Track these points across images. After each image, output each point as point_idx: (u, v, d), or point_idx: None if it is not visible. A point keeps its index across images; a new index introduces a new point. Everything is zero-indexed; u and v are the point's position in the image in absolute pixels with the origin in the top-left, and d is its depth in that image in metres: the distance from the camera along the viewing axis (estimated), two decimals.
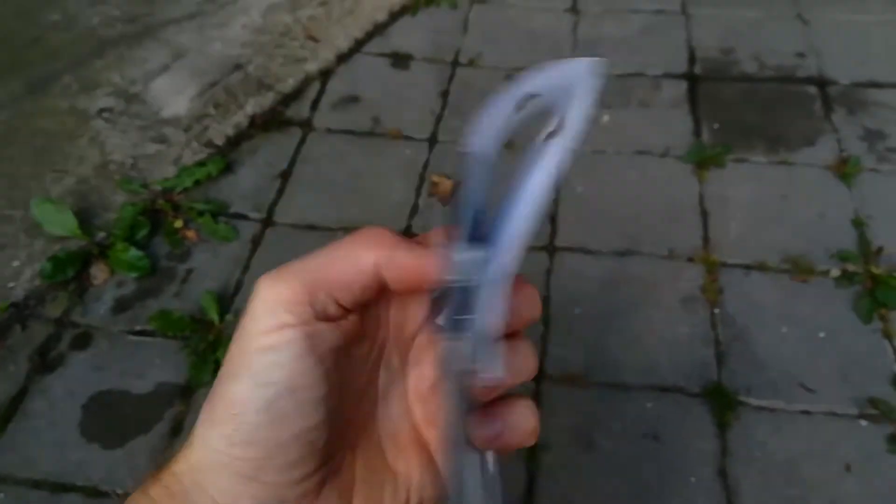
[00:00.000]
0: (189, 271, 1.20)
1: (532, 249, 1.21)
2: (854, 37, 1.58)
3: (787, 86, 1.48)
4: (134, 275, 1.18)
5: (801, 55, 1.55)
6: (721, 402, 1.00)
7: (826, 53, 1.54)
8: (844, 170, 1.28)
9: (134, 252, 1.19)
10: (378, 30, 1.71)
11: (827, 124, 1.39)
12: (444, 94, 1.53)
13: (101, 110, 1.49)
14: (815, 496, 0.92)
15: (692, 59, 1.56)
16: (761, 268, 1.16)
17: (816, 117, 1.41)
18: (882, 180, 1.28)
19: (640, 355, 1.06)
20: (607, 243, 1.22)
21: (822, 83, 1.48)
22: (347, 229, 1.24)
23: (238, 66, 1.59)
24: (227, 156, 1.38)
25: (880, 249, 1.16)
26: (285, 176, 1.35)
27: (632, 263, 1.18)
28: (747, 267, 1.17)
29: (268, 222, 1.27)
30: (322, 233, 1.24)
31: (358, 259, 0.28)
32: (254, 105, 1.49)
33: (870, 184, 1.27)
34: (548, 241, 1.23)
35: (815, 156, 1.33)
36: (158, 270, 1.20)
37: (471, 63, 1.60)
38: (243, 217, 1.28)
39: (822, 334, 1.07)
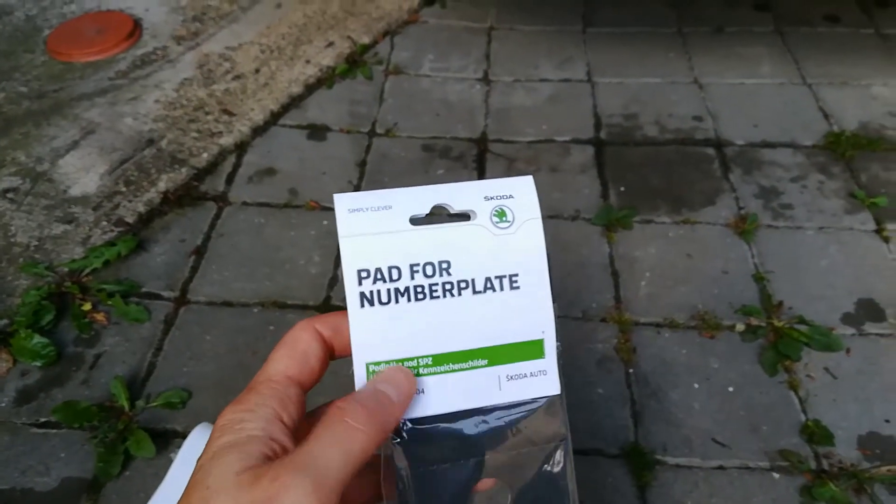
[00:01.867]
0: (98, 356, 1.16)
1: None
2: (747, 99, 1.69)
3: (687, 148, 1.57)
4: (39, 363, 1.13)
5: (698, 118, 1.64)
6: (639, 462, 1.01)
7: (722, 116, 1.65)
8: (743, 227, 1.35)
9: (38, 339, 1.13)
10: (294, 102, 1.73)
11: (725, 184, 1.47)
12: (362, 164, 1.55)
13: (5, 191, 1.44)
14: None
15: (598, 125, 1.64)
16: (671, 325, 1.20)
17: (715, 177, 1.49)
18: (778, 236, 1.35)
19: None
20: None
21: (718, 144, 1.57)
22: (264, 305, 1.23)
23: (151, 142, 1.57)
24: (138, 234, 1.35)
25: (780, 304, 1.22)
26: (200, 252, 1.33)
27: None
28: (658, 325, 1.20)
29: (181, 301, 1.24)
30: (238, 309, 1.22)
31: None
32: (167, 181, 1.47)
33: (767, 239, 1.34)
34: None
35: (716, 214, 1.40)
36: (65, 357, 1.15)
37: (387, 133, 1.63)
38: (156, 297, 1.25)
39: (731, 388, 1.11)
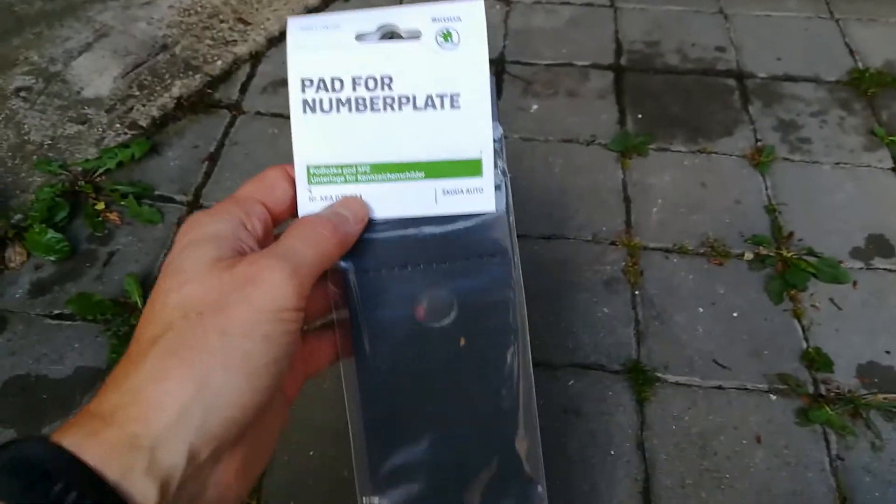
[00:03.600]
0: (111, 254, 1.17)
1: None
2: (772, 32, 1.65)
3: (708, 78, 1.54)
4: (52, 258, 1.14)
5: (721, 49, 1.61)
6: (640, 378, 1.03)
7: (745, 48, 1.61)
8: (759, 159, 1.34)
9: (52, 234, 1.15)
10: (310, 13, 1.69)
11: (744, 115, 1.45)
12: None
13: (19, 90, 1.43)
14: (728, 467, 0.96)
15: (619, 51, 1.61)
16: (680, 251, 1.20)
17: (734, 109, 1.47)
18: (794, 169, 1.34)
19: (564, 335, 1.09)
20: (534, 228, 1.24)
21: (740, 76, 1.54)
22: None
23: (164, 47, 1.55)
24: (152, 138, 1.35)
25: (791, 234, 1.22)
26: (213, 159, 1.33)
27: (557, 247, 1.21)
28: (667, 250, 1.21)
29: (194, 205, 1.25)
30: None
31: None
32: (181, 87, 1.45)
33: (783, 172, 1.33)
34: None
35: (733, 145, 1.39)
36: (79, 253, 1.17)
37: None
38: (169, 200, 1.25)
39: (735, 314, 1.12)
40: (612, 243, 1.22)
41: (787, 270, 1.16)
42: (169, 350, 0.27)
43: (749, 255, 1.19)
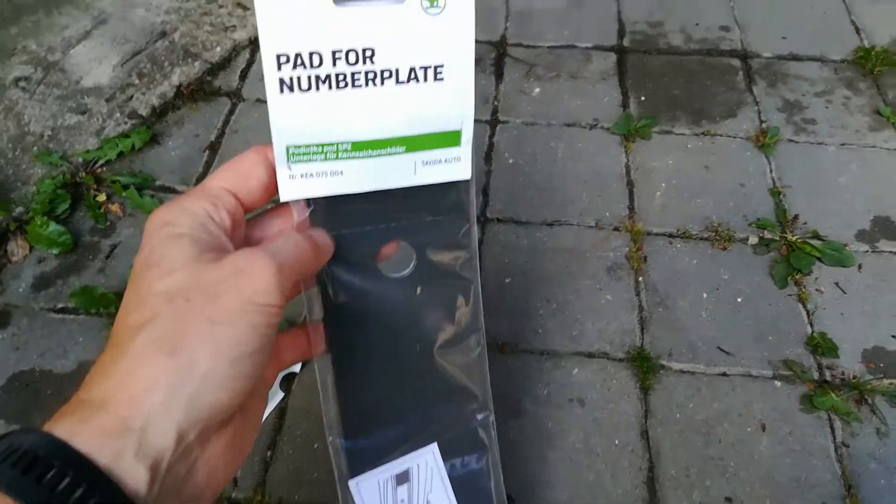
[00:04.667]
0: (114, 246, 1.17)
1: None
2: (778, 10, 1.63)
3: (712, 58, 1.52)
4: (55, 251, 1.14)
5: (725, 28, 1.59)
6: (644, 366, 1.03)
7: (750, 27, 1.59)
8: (764, 141, 1.33)
9: (54, 227, 1.15)
10: None
11: (748, 96, 1.43)
12: None
13: (17, 79, 1.42)
14: (732, 454, 0.96)
15: (622, 32, 1.59)
16: (684, 236, 1.20)
17: (738, 89, 1.45)
18: (799, 150, 1.33)
19: (568, 322, 1.09)
20: (537, 213, 1.24)
21: (745, 56, 1.52)
22: (276, 201, 1.23)
23: (163, 34, 1.54)
24: (152, 127, 1.34)
25: (796, 217, 1.21)
26: (214, 147, 1.32)
27: (561, 233, 1.21)
28: (671, 235, 1.20)
29: None
30: None
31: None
32: (180, 74, 1.44)
33: (787, 154, 1.32)
34: (480, 212, 1.24)
35: (737, 127, 1.37)
36: (81, 246, 1.17)
37: None
38: (171, 190, 1.25)
39: (739, 299, 1.12)
40: (616, 229, 1.21)
41: (792, 254, 1.15)
42: (156, 335, 0.27)
43: (753, 239, 1.18)
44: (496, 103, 1.44)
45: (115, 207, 1.21)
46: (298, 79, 0.32)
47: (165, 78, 1.43)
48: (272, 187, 0.34)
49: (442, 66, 0.34)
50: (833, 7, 1.63)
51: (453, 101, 0.35)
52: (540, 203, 1.26)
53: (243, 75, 1.47)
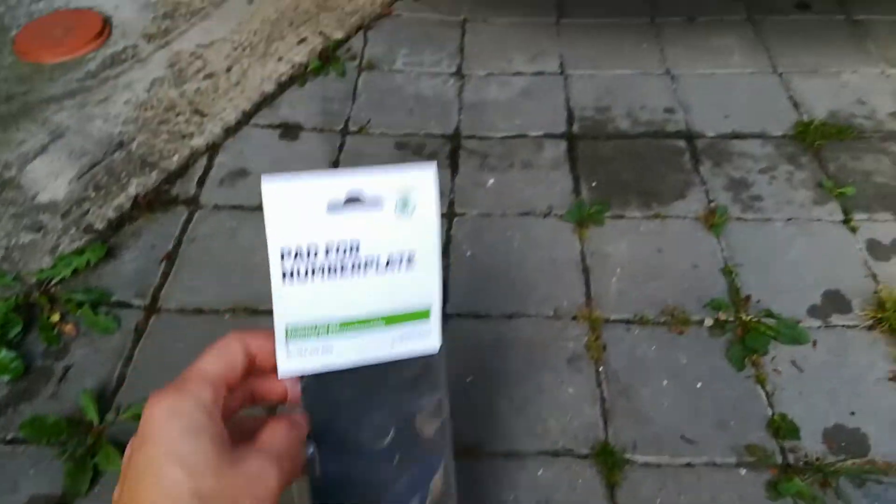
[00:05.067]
0: (67, 368, 1.15)
1: None
2: (718, 90, 1.70)
3: (659, 140, 1.57)
4: (6, 377, 1.12)
5: (670, 110, 1.65)
6: (609, 461, 1.02)
7: (693, 107, 1.65)
8: (713, 220, 1.36)
9: (5, 353, 1.13)
10: (266, 101, 1.72)
11: (695, 176, 1.48)
12: (335, 164, 1.54)
13: None
14: None
15: (571, 119, 1.64)
16: (641, 321, 1.21)
17: (686, 170, 1.49)
18: (747, 228, 1.36)
19: (532, 420, 1.08)
20: (497, 306, 1.25)
21: (689, 136, 1.57)
22: (235, 311, 1.23)
23: (121, 145, 1.56)
24: (108, 241, 1.34)
25: (748, 297, 1.23)
26: (171, 258, 1.32)
27: (520, 325, 1.21)
28: (628, 322, 1.21)
29: (152, 309, 1.24)
30: (209, 316, 1.22)
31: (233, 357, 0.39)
32: (137, 185, 1.46)
33: (736, 233, 1.35)
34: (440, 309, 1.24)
35: (686, 208, 1.41)
36: (33, 370, 1.15)
37: (360, 130, 1.62)
38: (126, 305, 1.24)
39: (699, 385, 1.12)
40: (574, 318, 1.22)
41: (747, 335, 1.17)
42: None
43: (709, 321, 1.20)
44: (452, 196, 1.46)
45: (68, 327, 1.20)
46: (298, 269, 0.39)
47: (122, 189, 1.44)
48: (249, 371, 0.40)
49: (414, 252, 0.41)
50: (771, 84, 1.70)
51: (424, 283, 0.42)
52: (499, 295, 1.27)
53: (200, 181, 1.49)
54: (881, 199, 1.40)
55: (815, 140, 1.53)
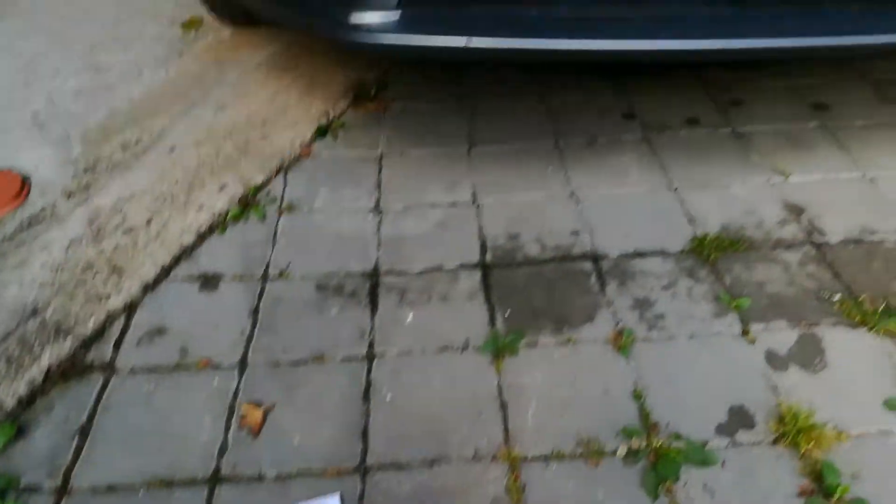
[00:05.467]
0: None
1: (345, 473, 1.22)
2: (618, 209, 1.79)
3: (566, 264, 1.64)
4: None
5: (575, 233, 1.73)
6: None
7: (597, 228, 1.73)
8: (620, 342, 1.41)
9: None
10: (186, 253, 1.74)
11: (602, 298, 1.54)
12: (255, 312, 1.56)
13: None
14: None
15: (483, 248, 1.70)
16: (558, 456, 1.23)
17: (593, 293, 1.56)
18: (653, 349, 1.42)
19: None
20: (418, 451, 1.25)
21: (595, 258, 1.65)
22: (150, 485, 1.21)
23: (35, 312, 1.55)
24: (18, 419, 1.32)
25: (656, 424, 1.27)
26: (84, 431, 1.30)
27: (441, 473, 1.22)
28: (546, 458, 1.23)
29: (63, 491, 1.21)
30: (123, 494, 1.19)
31: None
32: (50, 355, 1.44)
33: (643, 354, 1.41)
34: (360, 460, 1.25)
35: (595, 331, 1.46)
36: None
37: (281, 275, 1.66)
38: (35, 490, 1.21)
39: None
40: (493, 458, 1.24)
41: (659, 461, 1.20)
42: None
43: (622, 451, 1.23)
44: (372, 336, 1.49)
45: None
46: None
47: (35, 361, 1.43)
48: None
49: None
50: (667, 200, 1.81)
51: None
52: (420, 439, 1.28)
53: (117, 344, 1.49)
54: (775, 307, 1.48)
55: (711, 253, 1.62)
